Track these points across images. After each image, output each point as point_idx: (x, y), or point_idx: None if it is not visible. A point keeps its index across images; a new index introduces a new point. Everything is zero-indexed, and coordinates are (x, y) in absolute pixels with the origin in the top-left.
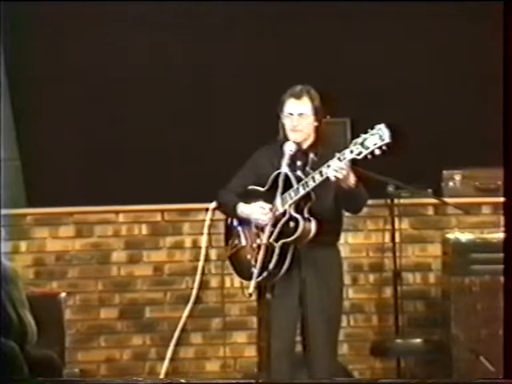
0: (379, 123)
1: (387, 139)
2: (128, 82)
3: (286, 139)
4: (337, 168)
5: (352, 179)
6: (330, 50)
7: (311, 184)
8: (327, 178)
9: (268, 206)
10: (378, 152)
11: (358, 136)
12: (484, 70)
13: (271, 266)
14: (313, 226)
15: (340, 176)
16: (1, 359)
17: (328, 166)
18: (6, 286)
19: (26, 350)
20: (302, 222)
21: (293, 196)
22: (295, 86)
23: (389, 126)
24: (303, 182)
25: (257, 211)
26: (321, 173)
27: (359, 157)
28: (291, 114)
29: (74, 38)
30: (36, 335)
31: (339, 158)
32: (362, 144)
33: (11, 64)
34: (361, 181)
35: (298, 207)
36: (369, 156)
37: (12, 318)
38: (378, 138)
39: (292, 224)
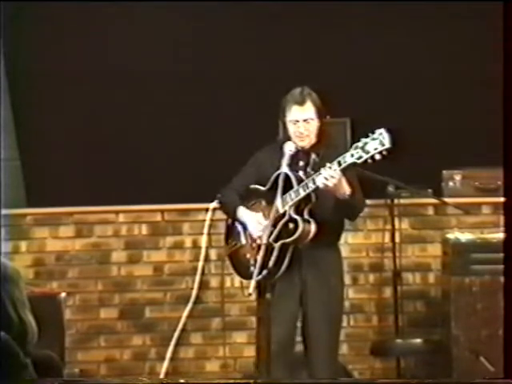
0: (379, 123)
1: (388, 144)
2: (128, 82)
3: (287, 139)
4: (327, 176)
5: (345, 189)
6: (330, 50)
7: (311, 186)
8: (318, 186)
9: (265, 223)
10: (378, 157)
11: (358, 140)
12: (484, 69)
13: (270, 265)
14: (312, 227)
15: (330, 184)
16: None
17: (319, 174)
18: (7, 286)
19: (26, 350)
20: (301, 224)
21: (293, 197)
22: (294, 89)
23: (389, 131)
24: (304, 183)
25: (253, 223)
26: (313, 180)
27: (359, 161)
28: (297, 121)
29: (75, 38)
30: (36, 335)
31: (339, 162)
32: (362, 148)
33: (11, 64)
34: (354, 191)
35: (298, 208)
36: (369, 160)
37: (12, 319)
38: (378, 142)
39: (291, 225)
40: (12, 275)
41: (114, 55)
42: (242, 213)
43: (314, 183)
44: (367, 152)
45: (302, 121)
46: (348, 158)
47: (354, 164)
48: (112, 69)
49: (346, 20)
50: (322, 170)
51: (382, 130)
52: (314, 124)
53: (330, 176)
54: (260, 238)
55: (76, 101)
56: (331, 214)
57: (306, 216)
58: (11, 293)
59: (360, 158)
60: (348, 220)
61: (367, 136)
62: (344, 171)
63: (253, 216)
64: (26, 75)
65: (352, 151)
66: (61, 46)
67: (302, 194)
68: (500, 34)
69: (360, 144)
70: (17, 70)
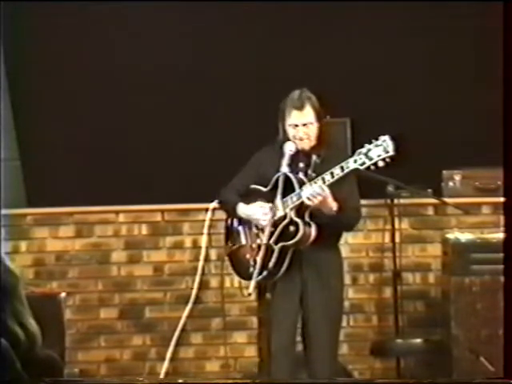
0: (379, 123)
1: (391, 151)
2: (128, 82)
3: (286, 140)
4: (309, 195)
5: (330, 205)
6: (331, 50)
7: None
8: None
9: (268, 205)
10: (381, 164)
11: (362, 146)
12: (484, 69)
13: (270, 266)
14: (313, 230)
15: (313, 202)
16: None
17: (305, 189)
18: (8, 298)
19: (33, 355)
20: (302, 227)
21: (294, 200)
22: (293, 93)
23: (393, 138)
24: (302, 188)
25: (257, 212)
26: (299, 195)
27: (362, 167)
28: (296, 125)
29: (75, 38)
30: (41, 338)
31: (342, 167)
32: (366, 155)
33: (11, 64)
34: (341, 205)
35: (299, 211)
36: (372, 167)
37: (19, 335)
38: (382, 149)
39: (292, 228)
40: (11, 283)
41: (114, 55)
42: (243, 208)
43: (300, 197)
44: (370, 158)
45: (301, 125)
46: (351, 164)
47: (356, 170)
48: (112, 69)
49: (346, 20)
50: (306, 187)
51: (386, 137)
52: (314, 127)
53: (311, 195)
54: (260, 236)
55: (76, 101)
56: (332, 216)
57: (306, 219)
58: (12, 306)
59: (363, 164)
60: (344, 231)
61: (371, 142)
62: (343, 176)
63: (254, 205)
64: (26, 75)
65: (355, 157)
66: (61, 46)
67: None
68: (500, 34)
69: (363, 150)
70: (17, 70)
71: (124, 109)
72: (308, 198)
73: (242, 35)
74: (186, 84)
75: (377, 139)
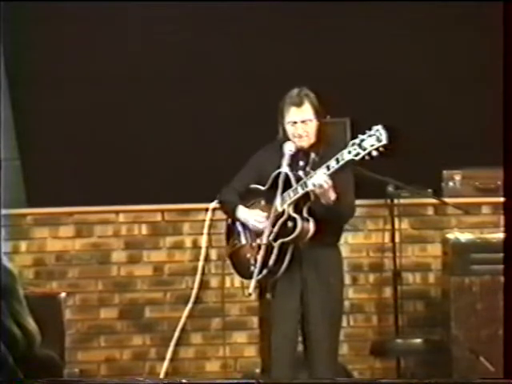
0: (379, 123)
1: (384, 141)
2: (128, 81)
3: (286, 139)
4: (316, 183)
5: (330, 195)
6: (330, 50)
7: (306, 187)
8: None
9: (265, 214)
10: (375, 153)
11: (355, 137)
12: (484, 69)
13: (270, 264)
14: (311, 226)
15: (324, 187)
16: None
17: (311, 177)
18: (7, 298)
19: (32, 354)
20: (300, 222)
21: (292, 196)
22: (292, 91)
23: (386, 128)
24: (302, 182)
25: (253, 218)
26: (305, 184)
27: (357, 158)
28: (295, 123)
29: (75, 38)
30: (40, 337)
31: (337, 159)
32: (359, 145)
33: (11, 64)
34: (340, 196)
35: (297, 207)
36: (366, 157)
37: (17, 337)
38: (375, 139)
39: (290, 224)
40: (9, 283)
41: (114, 55)
42: (242, 211)
43: (306, 187)
44: (364, 149)
45: (300, 122)
46: (346, 155)
47: (351, 161)
48: (112, 69)
49: (345, 20)
50: (313, 174)
51: (379, 127)
52: (313, 125)
53: (319, 183)
54: (261, 235)
55: (76, 101)
56: (331, 213)
57: (304, 214)
58: (11, 306)
59: (357, 154)
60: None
61: (364, 133)
62: (341, 169)
63: (252, 212)
64: (25, 75)
65: (349, 148)
66: (61, 47)
67: (301, 192)
68: (500, 34)
69: (357, 141)
70: (17, 70)
71: (124, 109)
72: (313, 185)
73: (243, 34)
74: (186, 84)
75: (370, 129)
